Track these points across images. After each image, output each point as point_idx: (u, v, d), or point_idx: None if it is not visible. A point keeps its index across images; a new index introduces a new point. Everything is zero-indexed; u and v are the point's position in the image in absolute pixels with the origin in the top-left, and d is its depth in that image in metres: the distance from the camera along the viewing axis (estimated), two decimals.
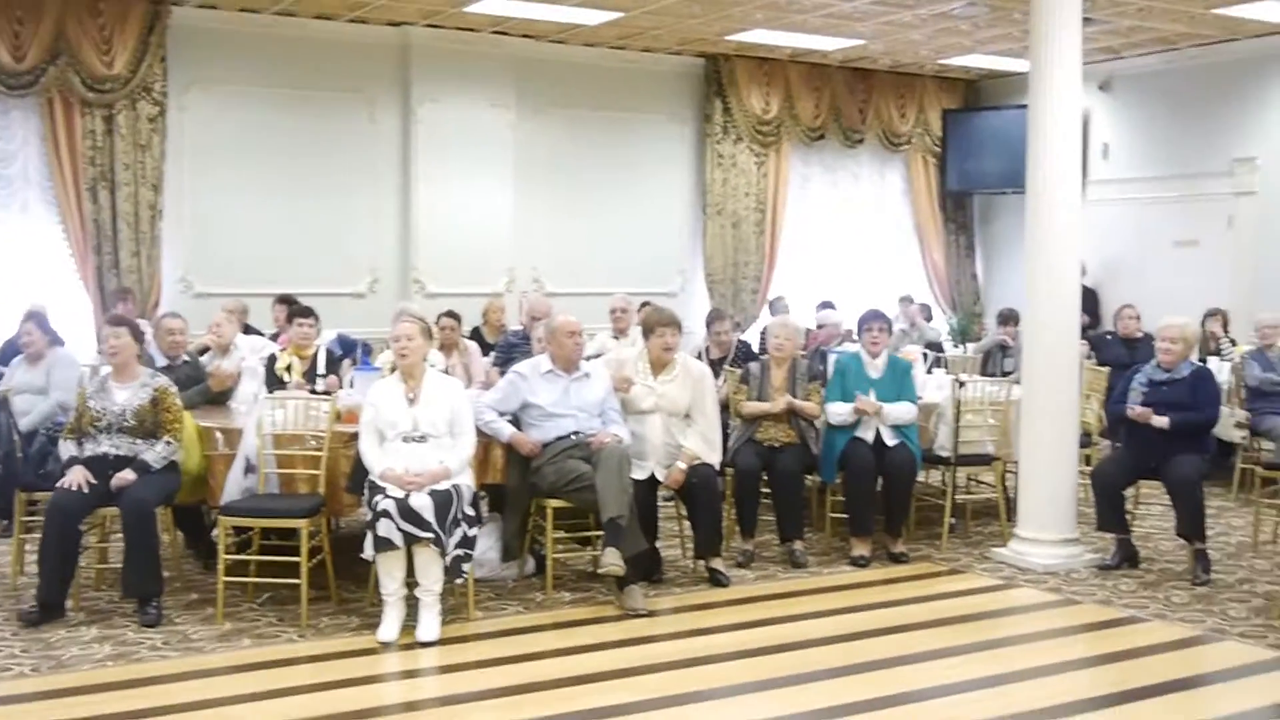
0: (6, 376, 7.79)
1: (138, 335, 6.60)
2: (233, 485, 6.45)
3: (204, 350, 8.23)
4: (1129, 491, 7.49)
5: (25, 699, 5.15)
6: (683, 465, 6.80)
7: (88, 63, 10.74)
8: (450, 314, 9.47)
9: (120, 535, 6.23)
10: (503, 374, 7.43)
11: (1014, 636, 6.15)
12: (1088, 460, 8.40)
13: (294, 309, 8.21)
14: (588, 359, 7.77)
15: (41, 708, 5.05)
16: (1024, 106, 7.83)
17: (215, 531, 6.52)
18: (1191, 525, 7.04)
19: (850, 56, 13.78)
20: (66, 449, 6.27)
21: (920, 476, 7.96)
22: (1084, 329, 11.94)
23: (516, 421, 6.74)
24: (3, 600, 6.47)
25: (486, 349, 10.09)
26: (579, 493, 6.43)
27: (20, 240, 10.88)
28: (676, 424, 6.93)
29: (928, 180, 15.25)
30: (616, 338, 9.65)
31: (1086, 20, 7.60)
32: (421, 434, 6.10)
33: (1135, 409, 7.13)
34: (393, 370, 6.51)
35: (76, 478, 6.07)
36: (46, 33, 10.59)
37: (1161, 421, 7.01)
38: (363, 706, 5.12)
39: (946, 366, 9.93)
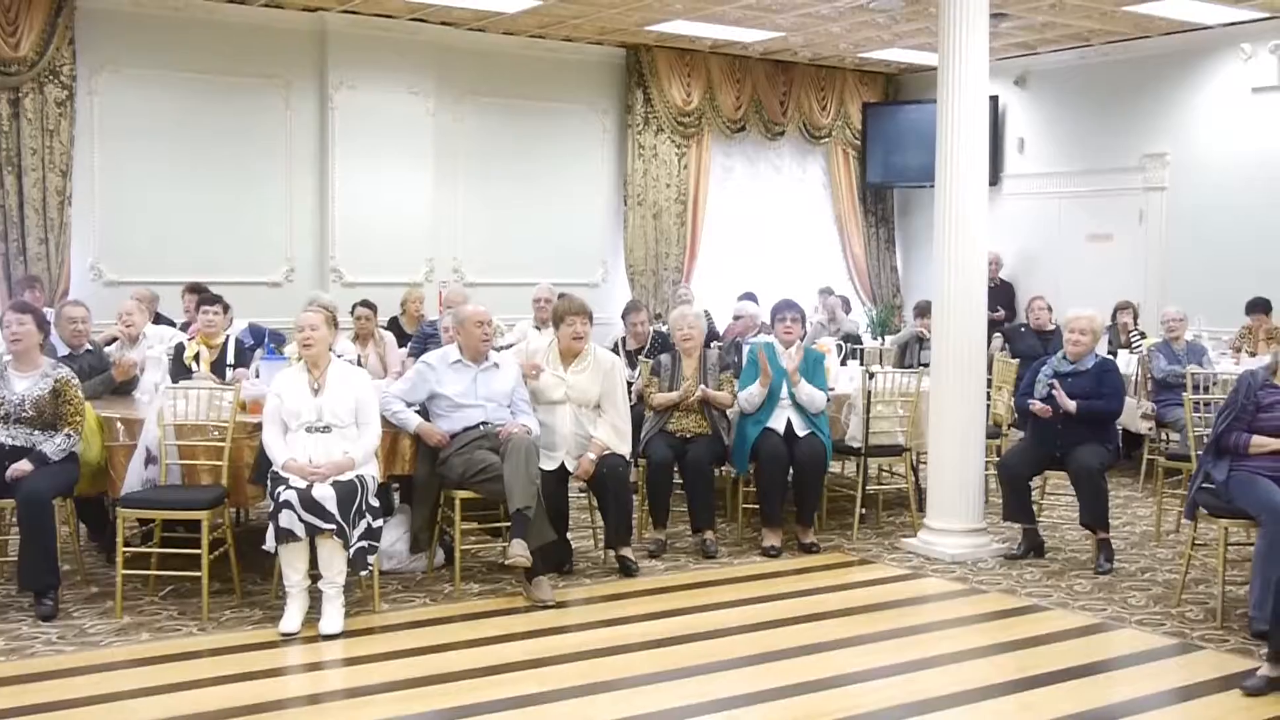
0: None
1: (42, 324, 6.45)
2: (133, 476, 6.34)
3: (112, 340, 8.08)
4: (1036, 482, 7.60)
5: None
6: (592, 456, 6.78)
7: None
8: (366, 304, 9.38)
9: (16, 527, 6.09)
10: None
11: (921, 625, 6.21)
12: (998, 451, 8.50)
13: (201, 297, 8.08)
14: (508, 347, 7.76)
15: None
16: None
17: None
18: (1094, 515, 7.15)
19: (771, 48, 13.82)
20: None
21: (832, 467, 8.02)
22: (1000, 322, 12.19)
23: (424, 412, 6.69)
24: None
25: (405, 339, 10.00)
26: (487, 483, 6.38)
27: None
28: (586, 414, 6.91)
29: (848, 173, 15.34)
30: (539, 328, 9.60)
31: (999, 16, 7.70)
32: (326, 424, 6.03)
33: (1036, 404, 7.20)
34: (298, 360, 6.43)
35: None
36: None
37: (1069, 404, 7.10)
38: (264, 699, 5.04)
39: (863, 359, 10.00)
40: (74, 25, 10.91)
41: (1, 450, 6.07)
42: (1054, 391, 7.16)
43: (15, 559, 6.14)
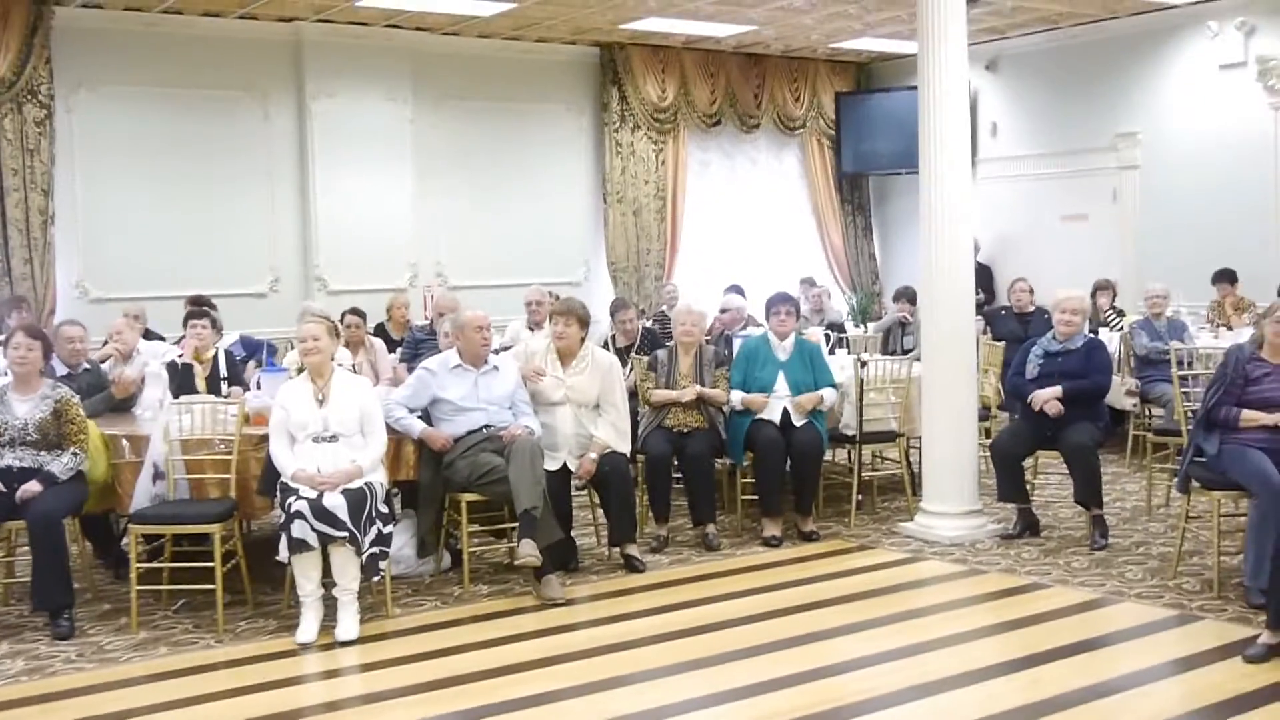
0: None
1: (48, 350, 6.50)
2: (141, 493, 6.38)
3: (105, 358, 8.10)
4: (1028, 462, 7.72)
5: None
6: (594, 455, 6.87)
7: None
8: (355, 311, 9.42)
9: (28, 548, 6.13)
10: (411, 370, 7.42)
11: (924, 608, 6.31)
12: (988, 433, 8.63)
13: (188, 312, 8.10)
14: (503, 349, 7.83)
15: None
16: (914, 88, 8.01)
17: (125, 540, 6.44)
18: (1088, 492, 7.27)
19: (743, 42, 13.92)
20: None
21: (827, 455, 8.12)
22: (979, 305, 12.29)
23: (427, 417, 6.76)
24: None
25: (392, 345, 10.05)
26: (492, 485, 6.47)
27: None
28: (586, 414, 6.99)
29: (824, 163, 15.46)
30: (532, 329, 9.67)
31: (971, 2, 7.79)
32: (332, 434, 6.09)
33: (1037, 394, 7.29)
34: (300, 371, 6.48)
35: None
36: None
37: (1055, 408, 7.21)
38: (284, 709, 5.11)
39: (849, 346, 10.11)
40: (50, 44, 10.93)
41: (10, 473, 6.10)
42: (1037, 397, 7.27)
43: (27, 579, 6.16)
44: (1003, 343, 9.39)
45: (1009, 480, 7.48)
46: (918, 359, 8.14)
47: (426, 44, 12.71)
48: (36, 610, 6.17)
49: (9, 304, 10.30)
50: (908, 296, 11.30)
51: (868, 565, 7.10)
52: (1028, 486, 7.70)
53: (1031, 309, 10.76)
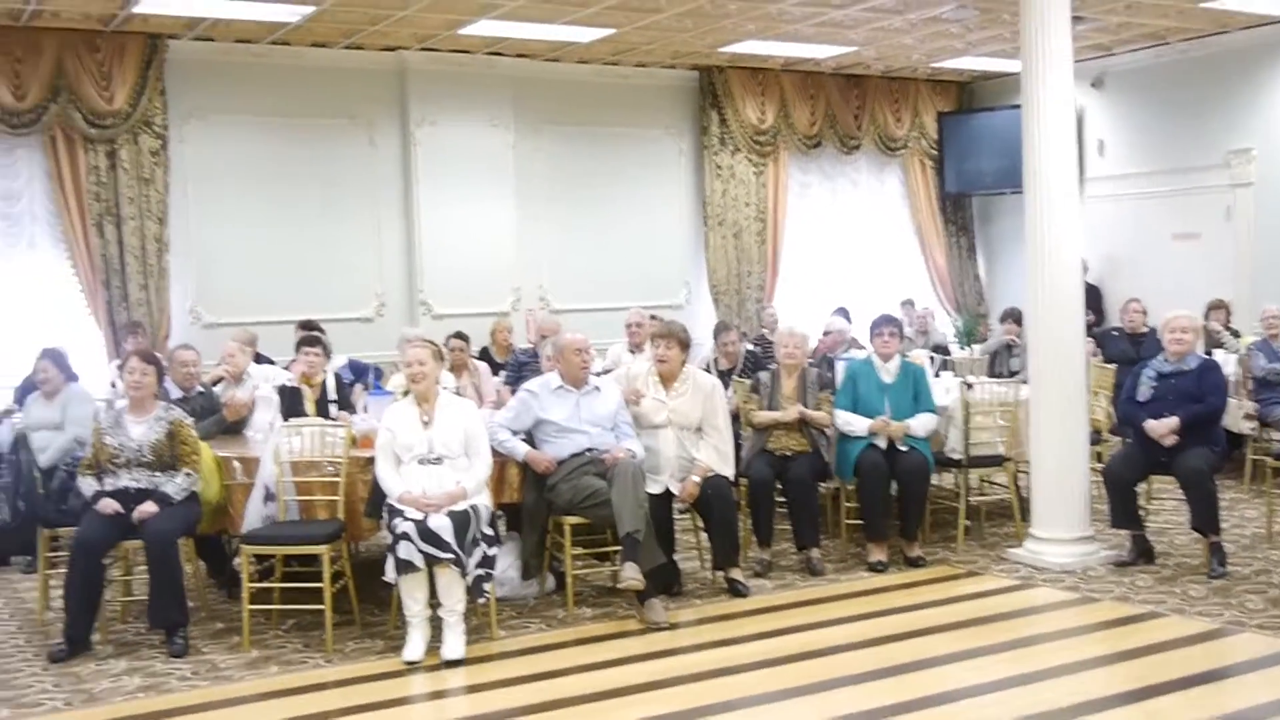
0: (24, 414, 7.84)
1: (161, 374, 6.67)
2: (253, 514, 6.51)
3: (217, 381, 8.29)
4: (1141, 487, 7.54)
5: None
6: (696, 478, 6.85)
7: (88, 99, 10.82)
8: (459, 335, 9.54)
9: (144, 567, 6.28)
10: (514, 393, 7.48)
11: (1035, 636, 6.18)
12: (1099, 457, 8.45)
13: (302, 338, 8.24)
14: (604, 373, 7.87)
15: None
16: (1018, 107, 7.90)
17: (237, 560, 6.56)
18: (1205, 518, 7.08)
19: (843, 63, 13.85)
20: (87, 485, 6.31)
21: (933, 479, 8.01)
22: (1089, 326, 12.05)
23: (530, 439, 6.81)
24: (31, 636, 6.54)
25: (495, 368, 10.15)
26: (595, 509, 6.49)
27: (29, 276, 10.94)
28: (689, 437, 6.98)
29: (926, 183, 15.31)
30: (633, 352, 9.70)
31: (1076, 19, 7.68)
32: (437, 456, 6.16)
33: (1153, 426, 7.14)
34: (406, 394, 6.57)
35: (108, 507, 6.14)
36: (46, 71, 10.67)
37: (1171, 440, 7.04)
38: None
39: (954, 369, 9.98)
40: (164, 76, 11.23)
41: (126, 494, 6.26)
42: (1148, 425, 7.11)
43: (144, 598, 6.31)
44: (1114, 365, 9.20)
45: (1122, 506, 7.32)
46: (1025, 381, 8.00)
47: (527, 70, 12.84)
48: (153, 628, 6.33)
49: (126, 329, 10.62)
50: (1014, 318, 11.10)
51: (976, 592, 6.97)
52: (1141, 512, 7.52)
53: (1145, 330, 10.52)
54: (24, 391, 8.60)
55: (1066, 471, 7.40)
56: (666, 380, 7.07)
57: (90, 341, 10.90)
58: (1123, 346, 10.36)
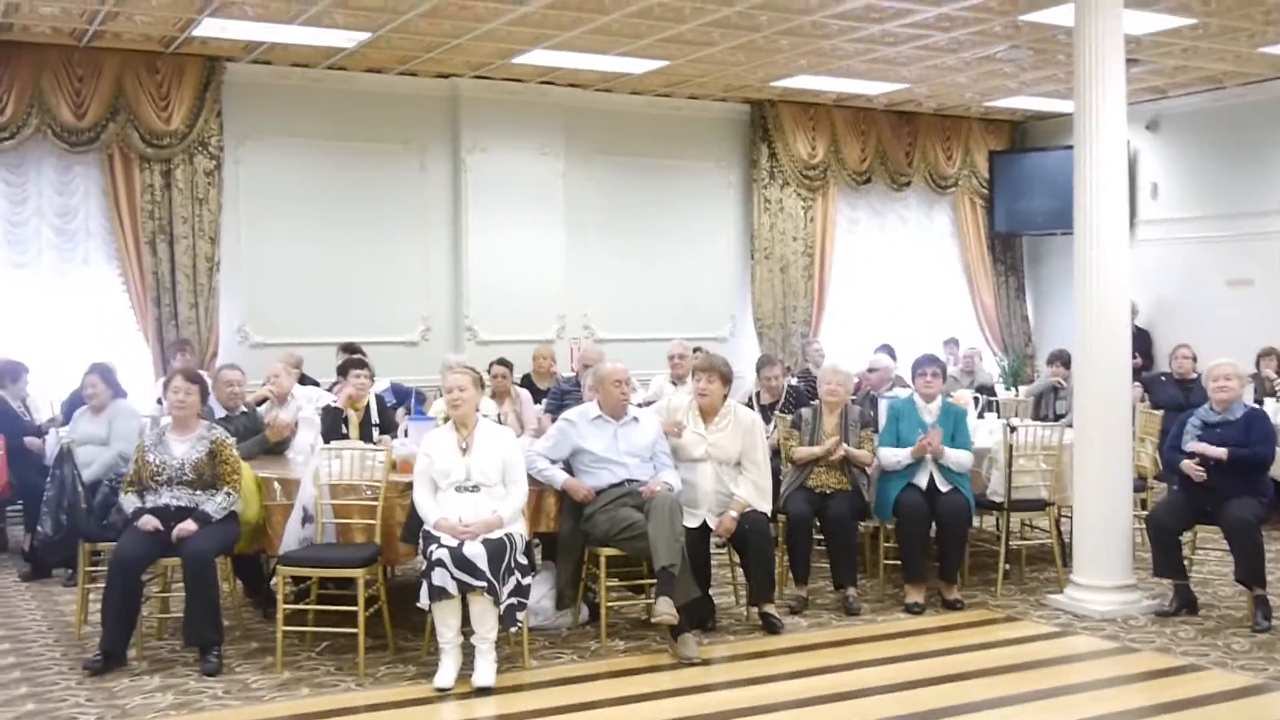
0: (70, 428, 7.93)
1: (205, 393, 6.74)
2: (290, 535, 6.54)
3: (261, 401, 8.35)
4: (1186, 536, 7.41)
5: None
6: (734, 513, 6.81)
7: (146, 119, 10.98)
8: (502, 361, 9.55)
9: (182, 585, 6.31)
10: (555, 421, 7.48)
11: (1073, 685, 6.09)
12: (1143, 504, 8.33)
13: (350, 360, 8.27)
14: (646, 404, 7.85)
15: None
16: (1070, 147, 7.84)
17: (274, 580, 6.59)
18: (1250, 570, 6.95)
19: (895, 100, 13.84)
20: (129, 502, 6.38)
21: (974, 522, 7.92)
22: (1137, 371, 11.93)
23: (569, 469, 6.80)
24: (68, 649, 6.59)
25: (538, 396, 10.16)
26: (631, 541, 6.46)
27: (82, 292, 11.10)
28: (728, 472, 6.95)
29: (976, 222, 15.24)
30: (675, 384, 9.69)
31: (1131, 61, 7.64)
32: (475, 483, 6.16)
33: (1190, 466, 7.05)
34: (446, 420, 6.58)
35: (149, 523, 6.19)
36: (106, 91, 10.85)
37: (1219, 452, 6.95)
38: None
39: (999, 410, 9.88)
40: (221, 98, 11.38)
41: (166, 511, 6.31)
42: (1197, 447, 7.01)
43: (180, 615, 6.35)
44: (1161, 411, 9.07)
45: (1165, 555, 7.20)
46: (1070, 425, 7.90)
47: (579, 100, 12.91)
48: (188, 645, 6.37)
49: (174, 347, 10.74)
50: (1062, 360, 11.00)
51: (1014, 638, 6.88)
52: (1185, 562, 7.39)
53: (1194, 376, 10.39)
54: (71, 406, 8.71)
55: (1110, 518, 7.30)
56: (707, 414, 7.05)
57: (139, 358, 11.04)
58: (1171, 392, 10.23)
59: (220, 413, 7.66)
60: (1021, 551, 8.34)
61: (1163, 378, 10.96)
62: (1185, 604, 7.24)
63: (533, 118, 12.69)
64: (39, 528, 7.00)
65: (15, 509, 9.15)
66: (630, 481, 6.66)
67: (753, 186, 13.96)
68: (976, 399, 9.54)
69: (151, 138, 11.03)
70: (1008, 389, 12.31)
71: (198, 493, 6.37)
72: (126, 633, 6.23)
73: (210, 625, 6.21)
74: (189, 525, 6.22)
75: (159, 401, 9.00)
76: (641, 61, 11.60)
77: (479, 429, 6.33)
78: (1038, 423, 8.56)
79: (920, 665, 6.33)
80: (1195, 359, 10.50)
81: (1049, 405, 11.01)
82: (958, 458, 7.42)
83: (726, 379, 7.09)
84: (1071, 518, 7.68)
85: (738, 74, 12.31)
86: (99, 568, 6.66)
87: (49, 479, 6.90)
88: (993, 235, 15.26)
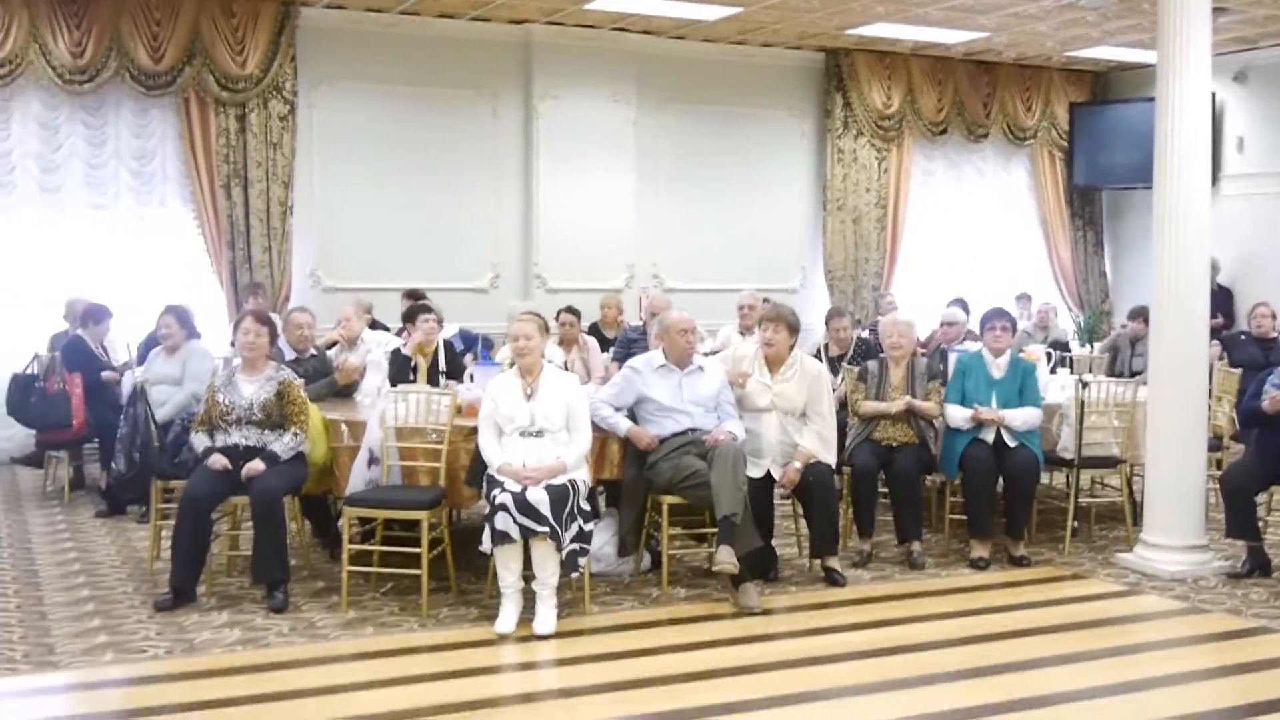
0: (144, 367, 8.06)
1: (274, 335, 6.82)
2: (357, 477, 6.61)
3: (331, 344, 8.43)
4: (1261, 497, 7.27)
5: (159, 680, 5.35)
6: (798, 464, 6.78)
7: (222, 63, 11.06)
8: (570, 310, 9.55)
9: (250, 523, 6.42)
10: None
11: (1140, 644, 6.03)
12: (1218, 464, 8.18)
13: (415, 306, 8.30)
14: (713, 353, 7.82)
15: (174, 689, 5.23)
16: (1154, 99, 7.65)
17: (340, 521, 6.68)
18: None
19: (974, 49, 13.57)
20: (199, 441, 6.48)
21: (1043, 478, 7.82)
22: (1217, 329, 11.69)
23: (634, 417, 6.80)
24: (140, 584, 6.73)
25: (605, 344, 10.16)
26: (694, 490, 6.45)
27: (158, 234, 11.24)
28: (792, 423, 6.90)
29: (1054, 175, 14.95)
30: (743, 334, 9.65)
31: (1219, 10, 7.41)
32: (539, 429, 6.17)
33: (1271, 396, 6.88)
34: (511, 365, 6.60)
35: (218, 462, 6.30)
36: (182, 34, 10.93)
37: None
38: (481, 696, 5.21)
39: (1072, 366, 9.73)
40: (295, 42, 11.43)
41: (236, 450, 6.40)
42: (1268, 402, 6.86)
43: (248, 553, 6.46)
44: (1240, 369, 8.88)
45: (1239, 515, 7.06)
46: (1144, 381, 7.77)
47: (652, 47, 12.80)
48: (255, 583, 6.50)
49: (247, 290, 10.87)
50: (1143, 316, 10.78)
51: (1081, 595, 6.80)
52: (1260, 524, 7.25)
53: (1274, 335, 10.17)
54: (147, 346, 8.84)
55: (1183, 476, 7.18)
56: (773, 364, 7.00)
57: (213, 301, 11.18)
58: (1250, 351, 10.01)
59: (290, 355, 7.73)
60: (1091, 509, 8.23)
61: (1242, 336, 10.73)
62: (1258, 566, 7.11)
63: (605, 65, 12.61)
64: (113, 465, 7.13)
65: (92, 447, 9.33)
66: (694, 430, 6.65)
67: (826, 136, 13.79)
68: (1050, 354, 9.38)
69: (227, 82, 11.11)
70: (1082, 345, 12.11)
71: (266, 433, 6.45)
72: (196, 569, 6.35)
73: (277, 563, 6.31)
74: (257, 464, 6.31)
75: (232, 344, 9.12)
76: (715, 8, 11.47)
77: (544, 375, 6.33)
78: (1111, 379, 8.40)
79: (984, 620, 6.29)
80: (1275, 316, 10.27)
81: (1125, 362, 10.83)
82: (1024, 417, 7.31)
83: (793, 329, 7.02)
84: (1143, 476, 7.56)
85: (813, 21, 12.13)
86: (170, 505, 6.78)
87: (123, 417, 7.01)
88: (1071, 188, 14.97)
